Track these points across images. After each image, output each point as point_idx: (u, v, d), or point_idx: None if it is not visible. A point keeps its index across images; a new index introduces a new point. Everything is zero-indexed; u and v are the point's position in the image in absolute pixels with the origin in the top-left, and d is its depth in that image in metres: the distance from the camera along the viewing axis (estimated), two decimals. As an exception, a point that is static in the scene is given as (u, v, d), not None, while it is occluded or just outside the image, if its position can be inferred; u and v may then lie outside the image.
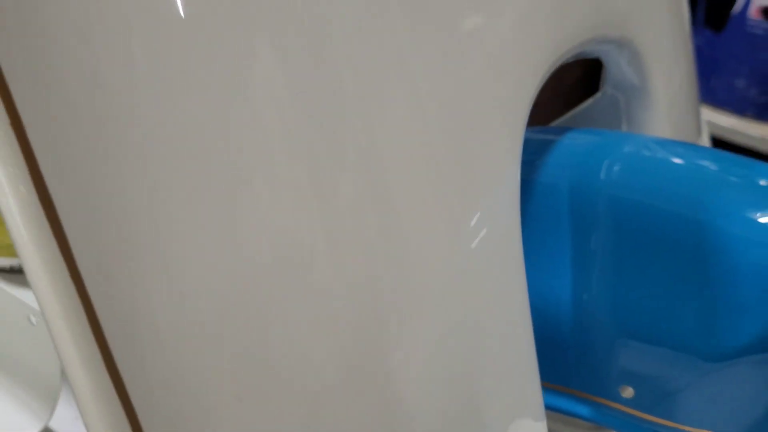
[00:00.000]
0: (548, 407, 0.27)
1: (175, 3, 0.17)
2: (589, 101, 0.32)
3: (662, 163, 0.26)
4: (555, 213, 0.27)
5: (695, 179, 0.26)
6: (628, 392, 0.27)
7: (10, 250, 0.46)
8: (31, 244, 0.20)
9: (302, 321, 0.20)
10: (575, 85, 0.34)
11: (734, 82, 0.95)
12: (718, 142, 0.96)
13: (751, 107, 0.94)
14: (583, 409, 0.28)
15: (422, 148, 0.21)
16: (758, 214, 0.24)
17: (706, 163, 0.26)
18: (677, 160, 0.26)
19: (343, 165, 0.20)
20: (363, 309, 0.20)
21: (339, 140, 0.19)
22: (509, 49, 0.22)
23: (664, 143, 0.27)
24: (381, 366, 0.21)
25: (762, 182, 0.25)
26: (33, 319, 0.33)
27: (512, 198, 0.23)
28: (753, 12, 0.91)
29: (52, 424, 0.36)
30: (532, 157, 0.27)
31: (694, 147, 0.27)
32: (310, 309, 0.20)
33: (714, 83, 0.97)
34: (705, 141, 0.42)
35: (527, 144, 0.24)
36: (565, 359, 0.27)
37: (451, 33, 0.21)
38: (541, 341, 0.24)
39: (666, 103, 0.31)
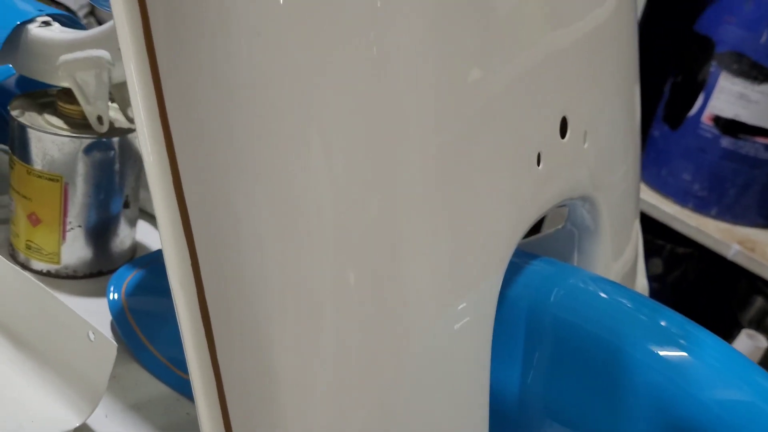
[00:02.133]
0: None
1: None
2: (552, 231, 0.42)
3: (593, 295, 0.36)
4: (515, 319, 0.36)
5: (614, 312, 0.35)
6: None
7: (50, 256, 0.54)
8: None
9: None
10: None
11: (681, 175, 1.06)
12: (660, 227, 1.07)
13: (692, 200, 1.06)
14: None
15: (436, 240, 0.29)
16: (656, 347, 0.34)
17: (624, 301, 0.36)
18: (604, 295, 0.36)
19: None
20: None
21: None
22: (502, 220, 0.32)
23: (598, 280, 0.37)
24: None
25: (662, 323, 0.35)
26: (92, 335, 0.41)
27: (492, 298, 0.32)
28: (706, 117, 1.02)
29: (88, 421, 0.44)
30: (509, 274, 0.36)
31: (618, 287, 0.37)
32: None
33: (664, 173, 1.08)
34: (639, 248, 0.52)
35: (510, 262, 0.33)
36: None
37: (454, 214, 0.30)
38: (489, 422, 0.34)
39: (610, 239, 0.41)
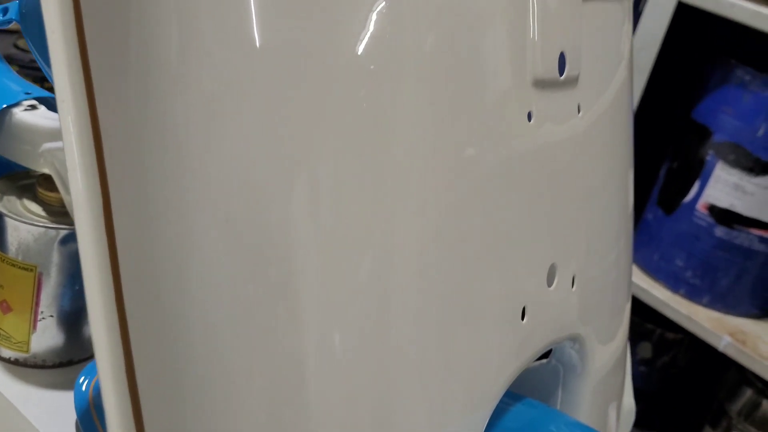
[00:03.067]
0: None
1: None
2: (537, 364, 0.40)
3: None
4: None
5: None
6: None
7: (20, 344, 0.52)
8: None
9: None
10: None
11: (674, 261, 1.05)
12: (651, 311, 1.06)
13: (684, 286, 1.04)
14: None
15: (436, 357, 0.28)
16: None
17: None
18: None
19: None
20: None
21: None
22: (484, 371, 0.30)
23: (574, 427, 0.36)
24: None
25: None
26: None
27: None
28: (701, 205, 1.01)
29: None
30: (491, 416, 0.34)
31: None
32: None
33: (656, 257, 1.07)
34: (627, 367, 0.50)
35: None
36: None
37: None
38: None
39: (595, 377, 0.40)
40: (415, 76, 0.25)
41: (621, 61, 0.39)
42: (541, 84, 0.30)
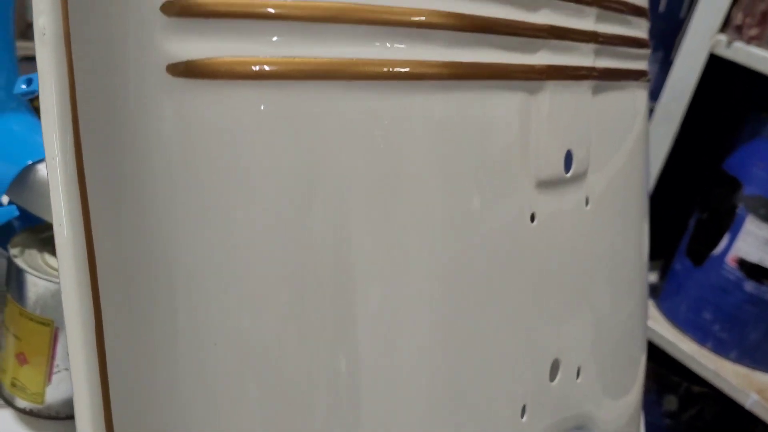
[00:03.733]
0: None
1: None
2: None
3: None
4: None
5: None
6: None
7: (34, 396, 0.53)
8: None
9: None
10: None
11: (701, 313, 1.03)
12: (677, 363, 1.04)
13: (711, 340, 1.02)
14: None
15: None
16: None
17: None
18: None
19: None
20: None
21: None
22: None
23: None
24: None
25: None
26: None
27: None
28: (730, 259, 1.00)
29: None
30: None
31: None
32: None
33: (683, 308, 1.05)
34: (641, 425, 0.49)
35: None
36: None
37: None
38: None
39: None
40: (418, 181, 0.25)
41: (635, 142, 0.39)
42: (545, 184, 0.30)
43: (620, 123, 0.37)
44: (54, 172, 0.20)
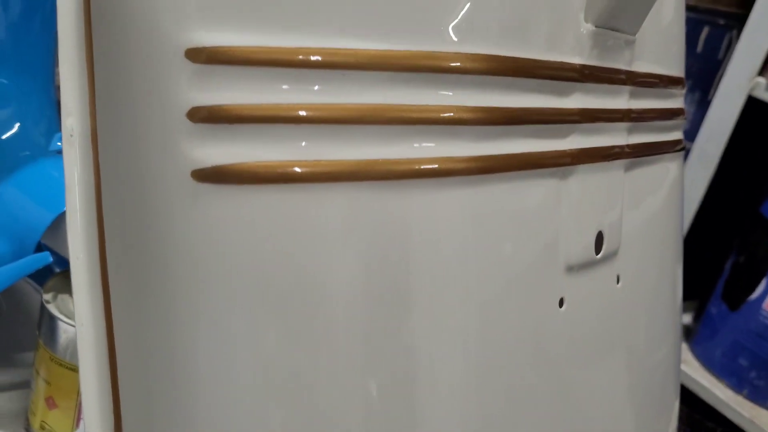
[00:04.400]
0: None
1: None
2: None
3: None
4: None
5: None
6: None
7: (62, 440, 0.53)
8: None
9: None
10: None
11: (737, 359, 1.01)
12: (712, 411, 1.02)
13: (748, 387, 1.00)
14: None
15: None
16: None
17: None
18: None
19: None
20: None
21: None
22: None
23: None
24: None
25: None
26: None
27: None
28: (767, 305, 0.97)
29: None
30: None
31: None
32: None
33: (718, 353, 1.03)
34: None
35: None
36: None
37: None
38: None
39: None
40: (444, 277, 0.25)
41: (668, 211, 0.38)
42: (575, 268, 0.29)
43: (653, 195, 0.36)
44: (77, 272, 0.21)
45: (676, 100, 0.37)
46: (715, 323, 1.05)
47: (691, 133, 1.01)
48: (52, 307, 0.51)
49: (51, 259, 0.52)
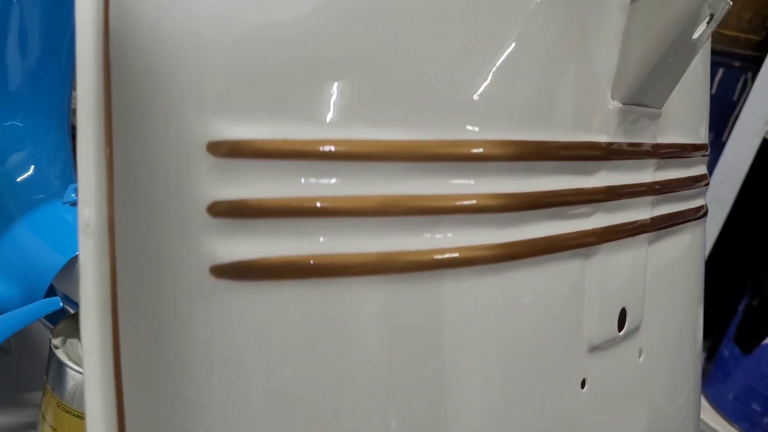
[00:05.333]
0: None
1: None
2: None
3: None
4: None
5: None
6: None
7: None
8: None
9: None
10: None
11: (750, 404, 0.99)
12: (723, 456, 1.00)
13: (760, 432, 0.98)
14: None
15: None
16: None
17: None
18: None
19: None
20: None
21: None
22: None
23: None
24: None
25: None
26: None
27: None
28: (781, 349, 0.96)
29: None
30: None
31: None
32: None
33: (731, 396, 1.01)
34: None
35: None
36: None
37: None
38: None
39: None
40: (467, 366, 0.24)
41: (691, 277, 0.37)
42: (597, 348, 0.29)
43: (676, 264, 0.35)
44: (90, 368, 0.20)
45: (699, 167, 0.36)
46: (727, 366, 1.03)
47: (706, 174, 1.01)
48: (60, 353, 0.50)
49: (61, 304, 0.52)
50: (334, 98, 0.21)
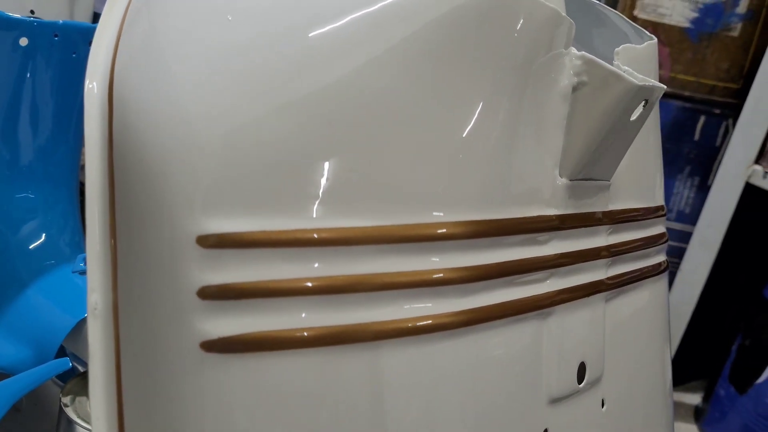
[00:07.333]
0: None
1: None
2: None
3: None
4: None
5: None
6: None
7: None
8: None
9: None
10: None
11: (747, 442, 1.01)
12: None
13: (759, 471, 0.99)
14: None
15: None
16: None
17: None
18: None
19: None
20: None
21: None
22: None
23: None
24: None
25: None
26: None
27: None
28: (774, 388, 0.98)
29: None
30: None
31: None
32: None
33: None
34: None
35: None
36: None
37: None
38: None
39: None
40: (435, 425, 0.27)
41: (653, 332, 0.40)
42: (558, 400, 0.31)
43: (636, 319, 0.38)
44: (98, 430, 0.23)
45: (657, 227, 0.39)
46: (724, 406, 1.05)
47: (692, 218, 1.04)
48: (70, 411, 0.53)
49: (70, 365, 0.55)
50: (311, 193, 0.24)
